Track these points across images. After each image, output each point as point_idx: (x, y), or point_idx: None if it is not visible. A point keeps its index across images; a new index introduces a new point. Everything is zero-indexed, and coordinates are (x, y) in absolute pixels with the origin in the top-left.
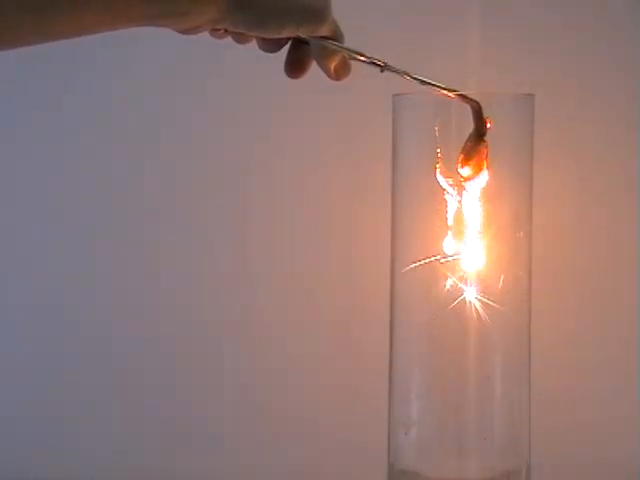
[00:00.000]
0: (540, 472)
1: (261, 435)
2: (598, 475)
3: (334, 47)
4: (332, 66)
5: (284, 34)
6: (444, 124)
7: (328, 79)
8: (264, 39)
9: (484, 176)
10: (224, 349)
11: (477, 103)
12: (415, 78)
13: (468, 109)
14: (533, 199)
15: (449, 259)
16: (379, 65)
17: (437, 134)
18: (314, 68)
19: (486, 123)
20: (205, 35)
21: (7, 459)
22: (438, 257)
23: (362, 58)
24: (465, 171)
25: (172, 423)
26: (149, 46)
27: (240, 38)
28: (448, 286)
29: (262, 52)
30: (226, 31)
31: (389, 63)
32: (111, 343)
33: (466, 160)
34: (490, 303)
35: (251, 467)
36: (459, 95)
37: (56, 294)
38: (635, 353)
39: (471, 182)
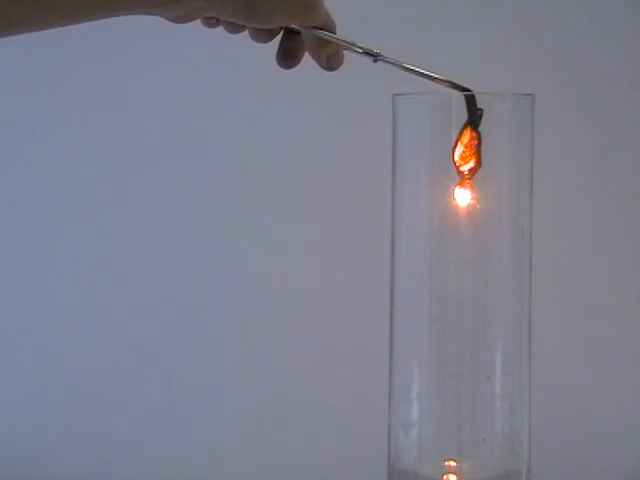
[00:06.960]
0: (540, 472)
1: (261, 435)
2: (598, 475)
3: (326, 37)
4: (324, 56)
5: (274, 24)
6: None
7: (328, 78)
8: (256, 29)
9: (477, 165)
10: (224, 348)
11: (470, 93)
12: (408, 69)
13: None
14: (533, 199)
15: None
16: (372, 55)
17: (453, 127)
18: (309, 67)
19: (479, 113)
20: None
21: (7, 459)
22: None
23: (355, 48)
24: (459, 161)
25: (172, 423)
26: (148, 44)
27: (232, 28)
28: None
29: (262, 48)
30: (218, 20)
31: (382, 53)
32: (111, 342)
33: (460, 150)
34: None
35: (251, 467)
36: (453, 85)
37: (57, 295)
38: (636, 353)
39: (464, 172)
